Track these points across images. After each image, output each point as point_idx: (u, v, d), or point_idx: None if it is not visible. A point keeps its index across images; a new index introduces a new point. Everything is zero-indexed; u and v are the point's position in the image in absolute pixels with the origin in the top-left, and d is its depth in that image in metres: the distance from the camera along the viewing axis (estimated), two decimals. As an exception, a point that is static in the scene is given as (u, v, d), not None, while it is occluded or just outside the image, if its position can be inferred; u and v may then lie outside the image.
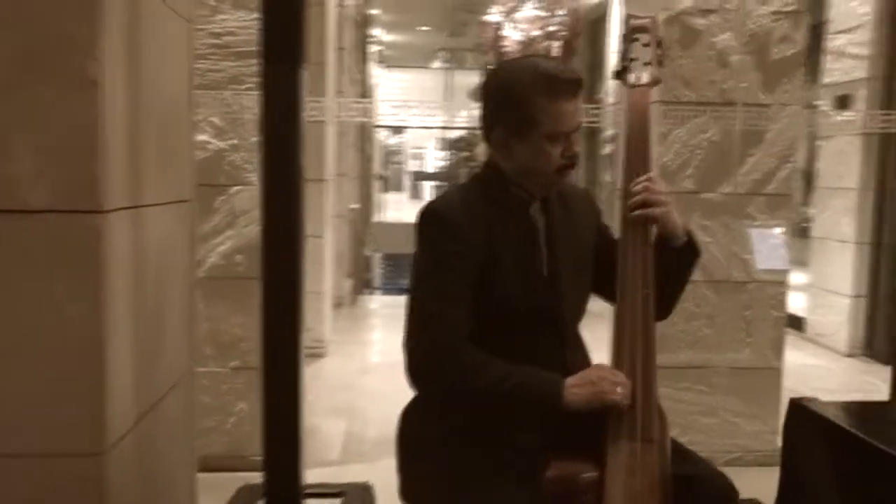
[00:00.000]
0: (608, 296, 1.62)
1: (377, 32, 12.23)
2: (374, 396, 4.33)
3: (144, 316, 1.50)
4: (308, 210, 5.32)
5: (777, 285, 3.33)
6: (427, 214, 1.54)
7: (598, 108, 5.34)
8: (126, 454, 1.39)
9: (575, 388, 1.43)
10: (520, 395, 1.44)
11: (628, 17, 1.62)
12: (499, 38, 7.61)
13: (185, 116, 1.82)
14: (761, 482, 1.95)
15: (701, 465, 1.52)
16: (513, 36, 7.76)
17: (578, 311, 1.64)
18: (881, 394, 4.76)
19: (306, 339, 5.29)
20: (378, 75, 14.81)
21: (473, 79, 11.66)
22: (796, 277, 4.52)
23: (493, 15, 7.74)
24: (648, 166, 1.51)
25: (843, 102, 5.46)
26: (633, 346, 1.41)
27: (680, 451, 1.51)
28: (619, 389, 1.43)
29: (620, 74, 1.59)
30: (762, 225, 3.23)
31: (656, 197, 1.50)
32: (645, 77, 1.55)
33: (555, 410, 1.44)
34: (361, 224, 9.04)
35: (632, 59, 1.58)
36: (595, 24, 9.99)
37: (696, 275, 2.36)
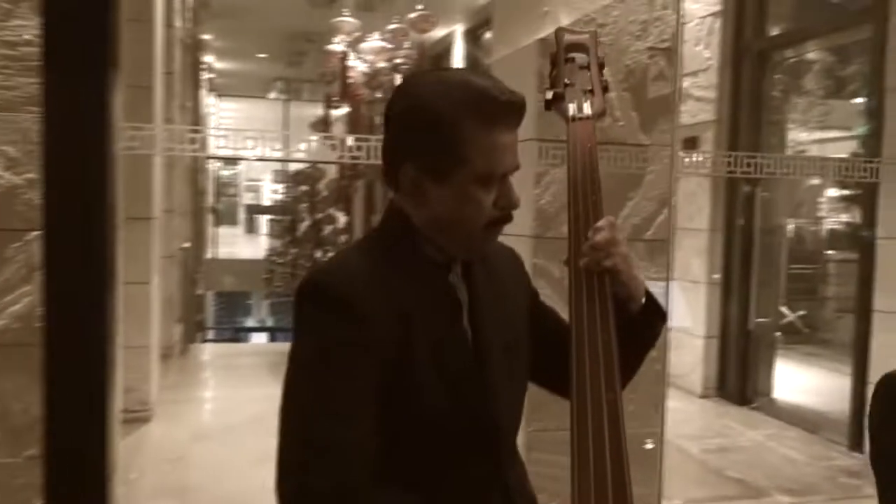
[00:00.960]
0: (554, 388, 1.24)
1: (210, 59, 11.50)
2: (211, 470, 3.74)
3: None
4: (132, 254, 4.59)
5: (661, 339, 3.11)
6: (312, 290, 1.09)
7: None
8: None
9: None
10: None
11: (560, 32, 1.27)
12: (345, 68, 7.22)
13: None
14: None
15: None
16: (358, 67, 7.40)
17: (517, 416, 1.24)
18: (740, 437, 4.73)
19: (128, 402, 4.58)
20: (211, 104, 14.02)
21: (312, 110, 11.19)
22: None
23: (338, 45, 7.35)
24: (601, 215, 1.14)
25: (691, 144, 5.49)
26: (600, 478, 0.98)
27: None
28: None
29: (554, 104, 1.23)
30: (656, 276, 3.01)
31: (620, 249, 1.12)
32: (587, 108, 1.20)
33: None
34: (193, 262, 8.29)
35: (566, 85, 1.22)
36: (437, 60, 9.86)
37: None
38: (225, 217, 19.87)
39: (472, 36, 9.07)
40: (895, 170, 3.99)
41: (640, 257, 3.11)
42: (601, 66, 1.24)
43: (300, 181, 10.71)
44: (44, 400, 1.06)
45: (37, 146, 2.44)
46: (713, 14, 5.51)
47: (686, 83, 5.67)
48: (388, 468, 1.05)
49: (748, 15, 5.42)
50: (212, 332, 12.67)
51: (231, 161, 17.93)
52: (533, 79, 2.89)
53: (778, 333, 5.86)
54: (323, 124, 8.56)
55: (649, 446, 3.06)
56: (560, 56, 1.25)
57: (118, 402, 3.78)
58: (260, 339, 13.80)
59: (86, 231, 1.04)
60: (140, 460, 3.79)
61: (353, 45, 7.31)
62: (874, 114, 4.45)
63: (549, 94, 1.23)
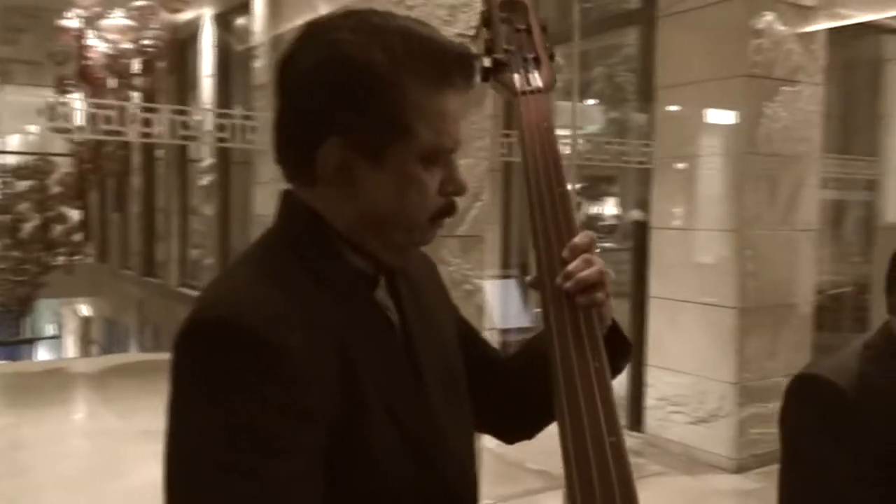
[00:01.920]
0: (495, 431, 1.00)
1: None
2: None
3: None
4: None
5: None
6: (210, 334, 0.75)
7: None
8: None
9: None
10: None
11: (487, -13, 1.02)
12: (82, 47, 6.37)
13: None
14: None
15: None
16: (98, 46, 6.57)
17: (476, 475, 0.95)
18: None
19: None
20: None
21: (31, 98, 9.85)
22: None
23: (72, 20, 6.46)
24: (571, 216, 0.91)
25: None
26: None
27: None
28: None
29: (494, 73, 0.98)
30: (471, 273, 2.86)
31: (600, 274, 0.86)
32: (537, 79, 0.97)
33: None
34: None
35: (507, 51, 0.98)
36: (183, 45, 9.10)
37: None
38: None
39: (223, 20, 8.46)
40: (669, 164, 4.24)
41: (454, 254, 2.97)
42: (544, 29, 1.02)
43: (23, 176, 9.43)
44: None
45: None
46: None
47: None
48: None
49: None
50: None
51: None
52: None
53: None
54: (53, 111, 7.53)
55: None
56: (494, 14, 1.01)
57: None
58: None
59: None
60: None
61: (92, 21, 6.47)
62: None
63: (488, 62, 0.99)
